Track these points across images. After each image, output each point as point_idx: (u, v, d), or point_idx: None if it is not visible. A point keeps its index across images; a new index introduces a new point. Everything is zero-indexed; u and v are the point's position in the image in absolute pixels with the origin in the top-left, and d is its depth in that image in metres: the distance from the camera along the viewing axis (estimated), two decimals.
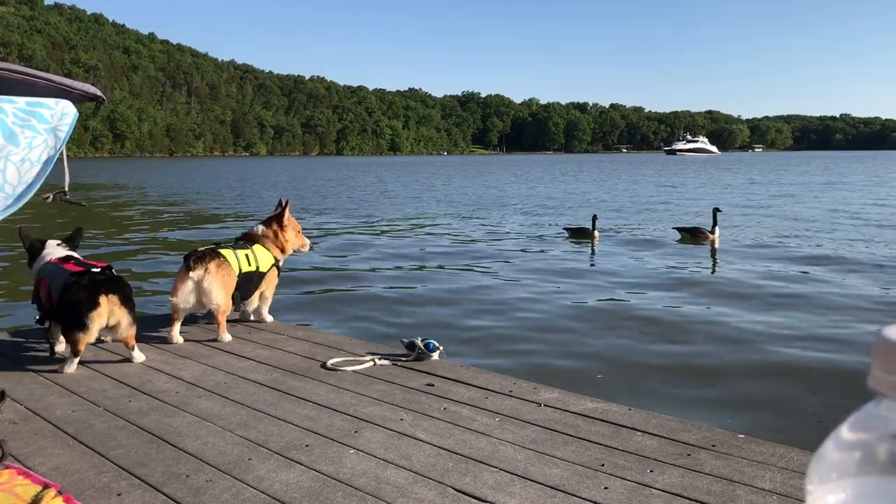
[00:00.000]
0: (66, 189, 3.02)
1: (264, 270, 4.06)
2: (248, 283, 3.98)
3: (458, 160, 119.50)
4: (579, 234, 11.52)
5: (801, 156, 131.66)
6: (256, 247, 4.08)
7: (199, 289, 3.68)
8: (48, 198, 2.95)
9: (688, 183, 33.53)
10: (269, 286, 4.16)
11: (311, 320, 6.37)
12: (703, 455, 2.27)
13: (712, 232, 10.82)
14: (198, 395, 2.94)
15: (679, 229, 11.54)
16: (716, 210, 11.12)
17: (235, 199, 23.51)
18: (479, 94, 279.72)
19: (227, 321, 3.88)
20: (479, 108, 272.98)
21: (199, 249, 3.83)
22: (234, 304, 4.06)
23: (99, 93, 2.96)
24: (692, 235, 10.98)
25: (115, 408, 2.78)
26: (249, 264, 3.96)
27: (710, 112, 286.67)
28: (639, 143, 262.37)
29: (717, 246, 10.38)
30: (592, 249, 10.60)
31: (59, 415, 2.70)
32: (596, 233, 11.34)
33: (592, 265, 9.54)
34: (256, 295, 4.11)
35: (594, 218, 11.57)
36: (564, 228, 12.22)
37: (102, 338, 3.56)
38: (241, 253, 3.94)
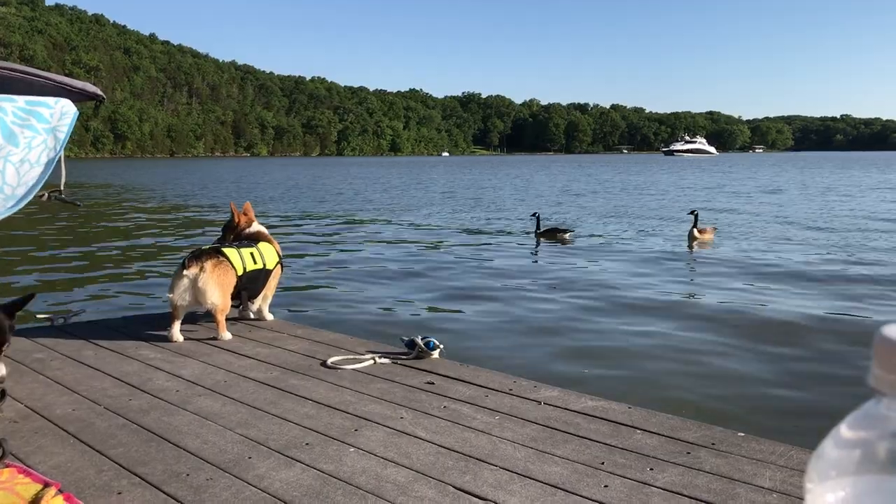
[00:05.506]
0: (62, 188, 3.03)
1: (271, 268, 4.05)
2: (254, 282, 3.96)
3: (458, 160, 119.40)
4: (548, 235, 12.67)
5: (800, 156, 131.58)
6: (261, 244, 4.06)
7: (194, 287, 3.66)
8: (43, 196, 2.96)
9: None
10: (271, 284, 4.15)
11: (310, 319, 6.36)
12: (702, 453, 2.27)
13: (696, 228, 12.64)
14: (198, 393, 2.94)
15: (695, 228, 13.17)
16: (693, 211, 12.92)
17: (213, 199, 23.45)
18: (479, 94, 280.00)
19: (227, 319, 3.87)
20: (480, 108, 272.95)
21: (201, 248, 3.82)
22: (241, 302, 4.05)
23: (99, 91, 2.97)
24: (700, 232, 12.65)
25: (116, 406, 2.78)
26: (255, 262, 3.93)
27: (710, 113, 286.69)
28: (639, 144, 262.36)
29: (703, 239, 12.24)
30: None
31: (59, 413, 2.70)
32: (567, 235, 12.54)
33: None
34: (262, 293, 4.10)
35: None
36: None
37: None
38: (245, 252, 3.91)
